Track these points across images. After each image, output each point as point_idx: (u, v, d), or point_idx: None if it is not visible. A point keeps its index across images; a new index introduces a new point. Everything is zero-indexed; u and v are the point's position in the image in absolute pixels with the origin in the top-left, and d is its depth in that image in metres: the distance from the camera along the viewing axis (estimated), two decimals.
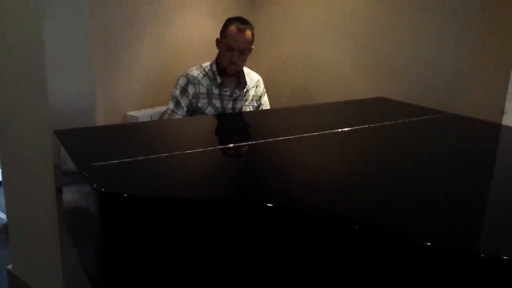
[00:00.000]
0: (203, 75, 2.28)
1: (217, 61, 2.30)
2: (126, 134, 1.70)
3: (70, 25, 1.72)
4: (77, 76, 1.78)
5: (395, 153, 1.57)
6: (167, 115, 2.27)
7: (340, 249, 1.05)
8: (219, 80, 2.28)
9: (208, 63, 2.32)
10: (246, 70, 2.39)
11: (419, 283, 0.97)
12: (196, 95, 2.26)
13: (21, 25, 1.76)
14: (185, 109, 2.24)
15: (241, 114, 2.31)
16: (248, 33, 2.23)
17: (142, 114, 2.49)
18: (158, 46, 2.62)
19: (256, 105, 2.44)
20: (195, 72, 2.29)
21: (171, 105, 2.26)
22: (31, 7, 1.67)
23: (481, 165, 1.47)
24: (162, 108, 2.53)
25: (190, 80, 2.26)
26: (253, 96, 2.41)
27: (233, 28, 2.22)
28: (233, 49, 2.22)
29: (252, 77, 2.42)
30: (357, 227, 1.02)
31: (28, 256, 2.12)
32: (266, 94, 2.49)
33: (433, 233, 1.01)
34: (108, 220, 1.15)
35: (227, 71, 2.28)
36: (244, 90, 2.36)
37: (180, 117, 2.23)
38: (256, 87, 2.43)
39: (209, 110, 2.28)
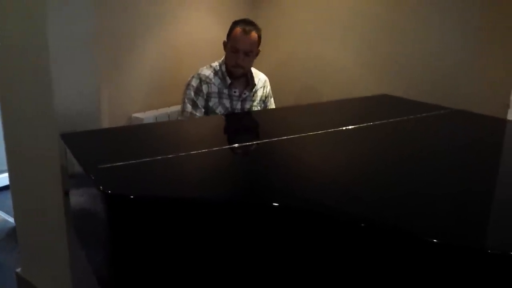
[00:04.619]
0: (214, 74, 2.29)
1: (225, 63, 2.31)
2: (132, 136, 1.71)
3: (74, 27, 1.72)
4: (82, 79, 1.78)
5: (400, 151, 1.57)
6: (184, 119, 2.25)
7: (347, 247, 1.05)
8: (229, 81, 2.29)
9: (217, 63, 2.33)
10: (253, 70, 2.39)
11: (427, 280, 0.97)
12: (209, 94, 2.27)
13: (25, 28, 1.76)
14: (203, 109, 2.25)
15: (245, 113, 2.31)
16: (254, 34, 2.24)
17: (147, 116, 2.50)
18: (162, 48, 2.63)
19: (263, 105, 2.44)
20: (207, 71, 2.30)
21: (188, 108, 2.25)
22: (35, 10, 1.68)
23: (487, 161, 1.47)
24: (167, 110, 2.54)
25: (202, 80, 2.27)
26: (261, 96, 2.42)
27: (238, 29, 2.23)
28: (238, 50, 2.22)
29: (260, 77, 2.43)
30: (363, 225, 1.02)
31: (36, 259, 2.13)
32: (271, 94, 2.50)
33: (440, 229, 1.01)
34: (115, 221, 1.16)
35: (232, 73, 2.29)
36: (253, 91, 2.37)
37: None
38: (264, 88, 2.44)
39: (220, 110, 2.28)
